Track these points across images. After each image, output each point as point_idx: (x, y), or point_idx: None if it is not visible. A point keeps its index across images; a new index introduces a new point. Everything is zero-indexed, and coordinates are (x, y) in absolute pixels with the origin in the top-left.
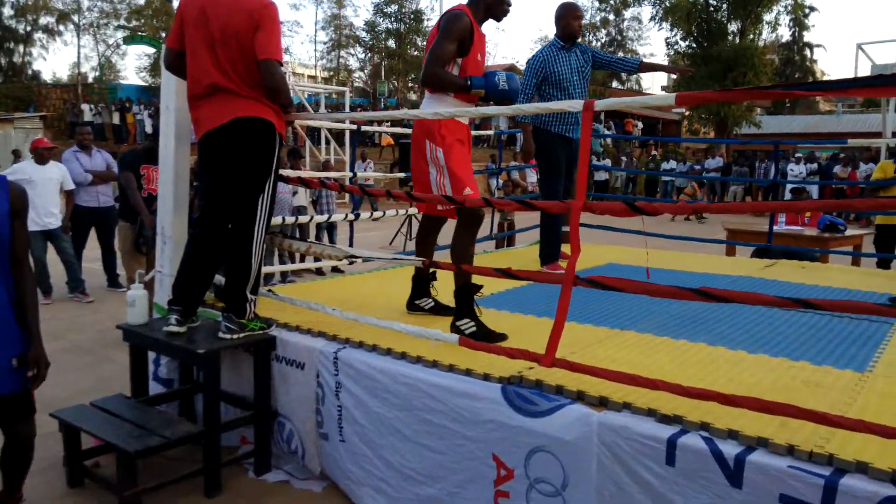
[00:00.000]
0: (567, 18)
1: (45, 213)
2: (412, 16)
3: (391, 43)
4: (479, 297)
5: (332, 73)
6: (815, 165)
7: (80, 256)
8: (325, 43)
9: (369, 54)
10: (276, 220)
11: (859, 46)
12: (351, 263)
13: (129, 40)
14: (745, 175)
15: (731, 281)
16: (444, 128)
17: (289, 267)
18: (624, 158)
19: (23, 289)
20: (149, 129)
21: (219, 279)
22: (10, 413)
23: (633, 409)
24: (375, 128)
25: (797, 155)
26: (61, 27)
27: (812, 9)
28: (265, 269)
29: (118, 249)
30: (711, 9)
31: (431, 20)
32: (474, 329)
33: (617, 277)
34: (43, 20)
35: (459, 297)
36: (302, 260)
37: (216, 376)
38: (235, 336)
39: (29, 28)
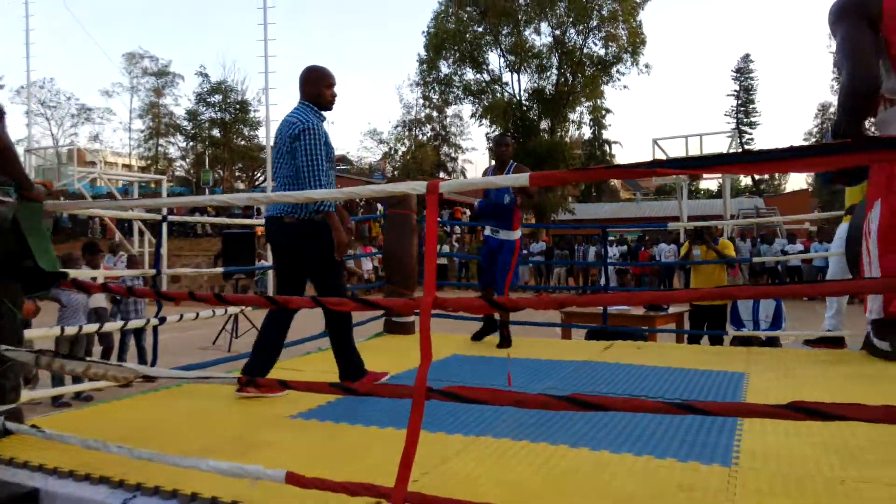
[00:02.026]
0: (320, 86)
1: None
2: (237, 106)
3: (216, 132)
4: (308, 409)
5: (149, 161)
6: (625, 247)
7: None
8: (141, 131)
9: (192, 143)
10: (72, 330)
11: (655, 142)
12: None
13: None
14: (566, 258)
15: (577, 367)
16: None
17: (82, 387)
18: (456, 244)
19: None
20: None
21: None
22: None
23: None
24: (197, 218)
25: (610, 238)
26: None
27: (608, 110)
28: (34, 394)
29: None
30: (525, 108)
31: (259, 112)
32: None
33: (476, 387)
34: None
35: None
36: None
37: None
38: None
39: None
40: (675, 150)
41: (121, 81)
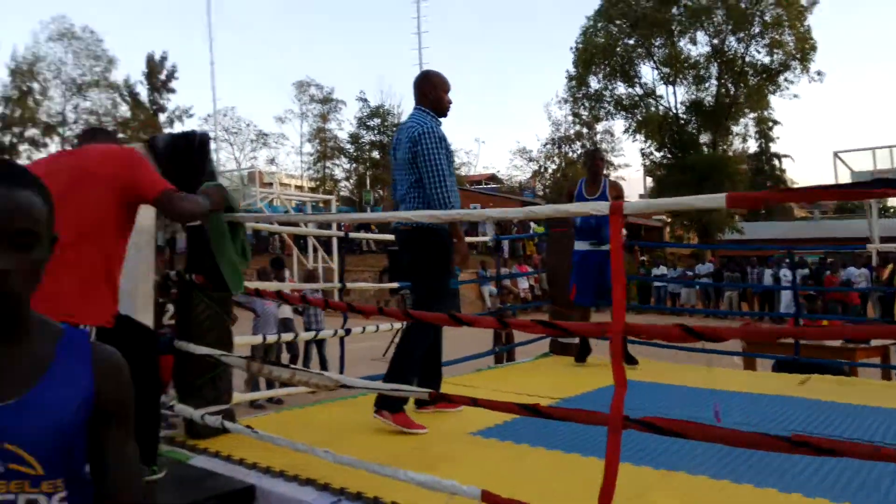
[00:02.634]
0: (439, 91)
1: None
2: (394, 128)
3: (375, 154)
4: (487, 427)
5: (318, 182)
6: (806, 270)
7: None
8: (310, 154)
9: (354, 164)
10: (259, 339)
11: (836, 155)
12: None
13: None
14: (738, 280)
15: (770, 401)
16: None
17: (276, 392)
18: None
19: None
20: None
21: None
22: None
23: None
24: (362, 235)
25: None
26: (47, 139)
27: (776, 122)
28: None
29: None
30: (682, 121)
31: None
32: None
33: (677, 420)
34: (29, 132)
35: None
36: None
37: None
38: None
39: (14, 140)
40: (861, 164)
41: (292, 108)
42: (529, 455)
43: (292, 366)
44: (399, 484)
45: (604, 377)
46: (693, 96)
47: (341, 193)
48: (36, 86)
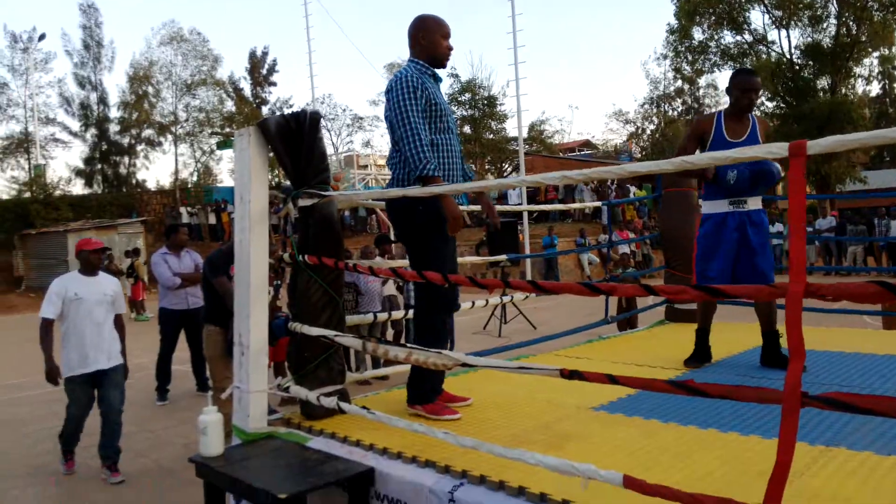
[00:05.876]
0: (436, 34)
1: (94, 346)
2: (486, 102)
3: (467, 129)
4: (609, 401)
5: None
6: None
7: (169, 359)
8: None
9: None
10: (369, 318)
11: None
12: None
13: (221, 145)
14: (863, 234)
15: None
16: None
17: (384, 370)
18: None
19: None
20: None
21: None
22: None
23: None
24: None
25: None
26: (161, 138)
27: None
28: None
29: (206, 355)
30: (796, 67)
31: (505, 105)
32: None
33: (866, 395)
34: (145, 133)
35: None
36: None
37: None
38: None
39: (133, 141)
40: None
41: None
42: (661, 432)
43: (408, 344)
44: (525, 467)
45: (727, 345)
46: (809, 39)
47: None
48: (150, 89)
